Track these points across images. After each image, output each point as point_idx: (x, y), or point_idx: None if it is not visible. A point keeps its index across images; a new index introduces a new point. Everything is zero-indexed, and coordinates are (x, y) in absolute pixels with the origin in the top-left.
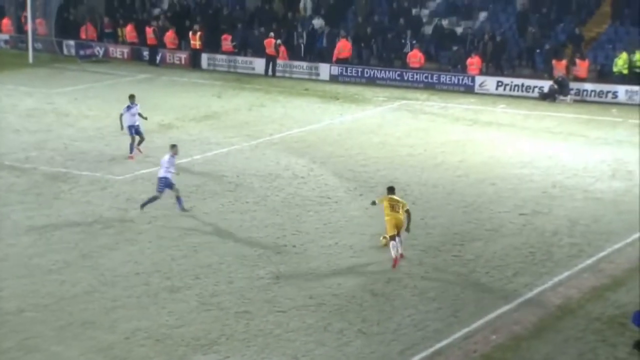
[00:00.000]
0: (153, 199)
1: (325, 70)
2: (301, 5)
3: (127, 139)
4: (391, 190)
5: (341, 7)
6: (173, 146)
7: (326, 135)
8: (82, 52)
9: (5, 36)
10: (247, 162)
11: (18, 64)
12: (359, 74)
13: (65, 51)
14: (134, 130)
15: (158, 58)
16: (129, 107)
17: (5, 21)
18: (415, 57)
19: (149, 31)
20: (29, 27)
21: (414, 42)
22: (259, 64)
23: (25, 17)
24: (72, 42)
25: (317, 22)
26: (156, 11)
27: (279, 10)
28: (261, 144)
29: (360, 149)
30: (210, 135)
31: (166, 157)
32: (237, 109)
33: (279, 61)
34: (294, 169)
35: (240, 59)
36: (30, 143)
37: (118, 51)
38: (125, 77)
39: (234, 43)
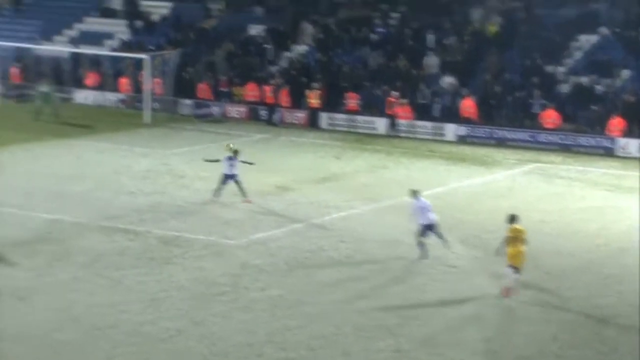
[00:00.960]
0: (422, 244)
1: (451, 130)
2: (426, 62)
3: (244, 204)
4: (513, 219)
5: (469, 64)
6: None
7: (452, 199)
8: (198, 112)
9: (122, 95)
10: (367, 226)
11: (134, 124)
12: (488, 134)
13: (182, 111)
14: (232, 179)
15: (276, 117)
16: (230, 158)
17: (123, 80)
18: (550, 117)
19: (268, 90)
20: (146, 86)
21: (546, 102)
22: (381, 123)
23: (143, 76)
24: (189, 102)
25: (446, 80)
26: (274, 69)
27: (403, 67)
28: (382, 208)
29: (489, 214)
30: (329, 198)
31: (422, 202)
32: (357, 170)
33: (402, 121)
34: None
35: (361, 118)
36: (144, 205)
37: (235, 110)
38: (242, 137)
39: None
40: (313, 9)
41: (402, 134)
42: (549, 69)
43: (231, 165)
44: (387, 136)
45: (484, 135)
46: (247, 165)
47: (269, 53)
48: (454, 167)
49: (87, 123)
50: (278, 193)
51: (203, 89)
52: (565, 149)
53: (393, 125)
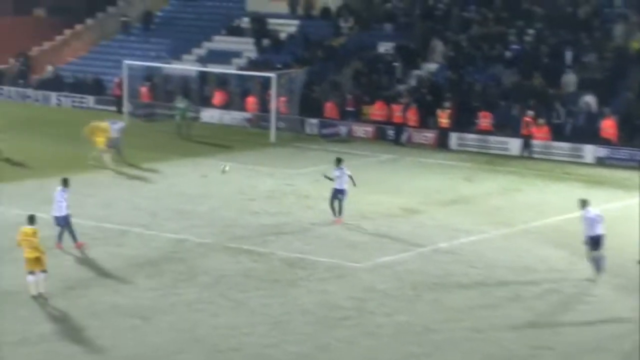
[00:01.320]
0: (595, 259)
1: (589, 152)
2: (564, 80)
3: (368, 223)
4: None
5: (610, 82)
6: None
7: None
8: (325, 131)
9: (249, 114)
10: (499, 252)
11: (260, 143)
12: (630, 156)
13: (307, 130)
14: (341, 194)
15: (404, 137)
16: (339, 169)
17: (251, 99)
18: None
19: (396, 109)
20: (273, 105)
21: None
22: (514, 144)
23: (270, 95)
24: (315, 121)
25: (585, 99)
26: (402, 87)
27: (539, 86)
28: (515, 233)
29: (630, 241)
30: (458, 222)
31: (590, 213)
32: (489, 193)
33: (538, 141)
34: (552, 262)
35: (493, 138)
36: (268, 226)
37: (362, 130)
38: (368, 157)
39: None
40: (444, 25)
41: (537, 155)
42: None
43: (339, 177)
44: (520, 157)
45: (625, 158)
46: (352, 183)
47: (397, 71)
48: (591, 191)
49: (214, 142)
50: (405, 215)
51: (330, 107)
52: None
53: (528, 146)
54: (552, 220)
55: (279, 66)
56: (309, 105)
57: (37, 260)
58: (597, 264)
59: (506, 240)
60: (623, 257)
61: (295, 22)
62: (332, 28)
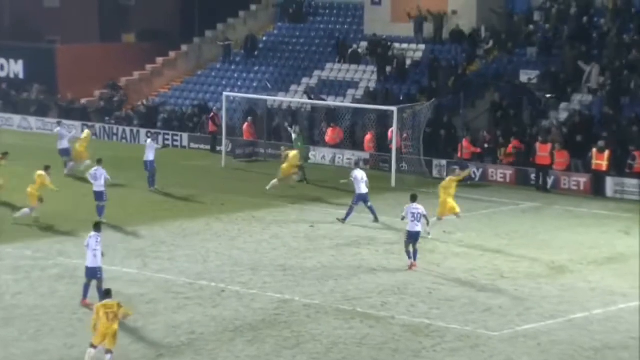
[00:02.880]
0: None
1: None
2: None
3: (507, 284)
4: None
5: None
6: None
7: None
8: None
9: (365, 154)
10: None
11: (378, 187)
12: None
13: (435, 173)
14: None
15: (549, 182)
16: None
17: (368, 137)
18: None
19: (541, 148)
20: (394, 144)
21: None
22: None
23: (391, 132)
24: (443, 162)
25: None
26: (546, 123)
27: None
28: None
29: None
30: (614, 284)
31: None
32: None
33: None
34: None
35: None
36: (388, 286)
37: (499, 173)
38: (506, 204)
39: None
40: (598, 49)
41: None
42: None
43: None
44: None
45: None
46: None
47: (543, 103)
48: None
49: (324, 185)
50: (551, 275)
51: (462, 146)
52: None
53: None
54: None
55: (401, 98)
56: (435, 144)
57: (113, 337)
58: None
59: None
60: None
61: (422, 46)
62: (464, 52)
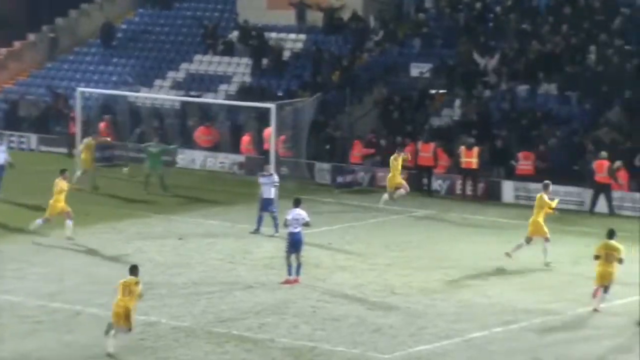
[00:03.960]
0: None
1: None
2: None
3: (398, 300)
4: (611, 234)
5: None
6: None
7: None
8: (340, 179)
9: (241, 158)
10: (575, 342)
11: (254, 195)
12: None
13: (317, 178)
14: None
15: (444, 187)
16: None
17: (246, 138)
18: None
19: (425, 148)
20: (271, 146)
21: None
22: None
23: (267, 133)
24: (326, 166)
25: None
26: (443, 121)
27: None
28: (593, 313)
29: None
30: (516, 298)
31: None
32: (558, 261)
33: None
34: None
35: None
36: (266, 305)
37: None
38: (398, 212)
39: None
40: (495, 40)
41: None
42: None
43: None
44: (583, 212)
45: None
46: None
47: (436, 99)
48: None
49: (194, 194)
50: (447, 290)
51: (350, 148)
52: None
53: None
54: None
55: (280, 94)
56: (320, 147)
57: (127, 317)
58: None
59: (581, 322)
60: None
61: (302, 36)
62: (350, 44)
